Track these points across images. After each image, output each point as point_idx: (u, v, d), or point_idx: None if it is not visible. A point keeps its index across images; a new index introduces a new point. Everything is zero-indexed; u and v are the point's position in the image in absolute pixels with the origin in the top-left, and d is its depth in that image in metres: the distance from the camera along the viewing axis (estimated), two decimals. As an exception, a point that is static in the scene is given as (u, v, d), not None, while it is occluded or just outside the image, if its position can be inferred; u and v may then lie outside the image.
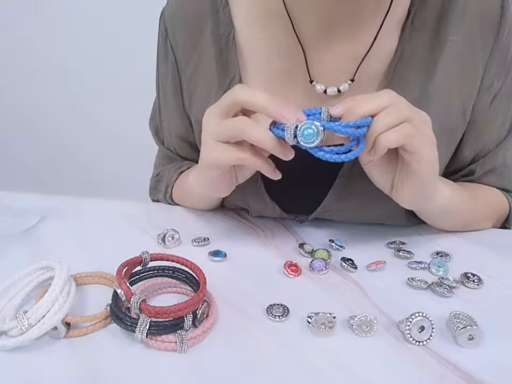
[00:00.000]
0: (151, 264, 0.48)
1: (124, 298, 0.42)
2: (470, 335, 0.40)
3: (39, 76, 1.75)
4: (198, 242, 0.57)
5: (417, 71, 0.55)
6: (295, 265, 0.51)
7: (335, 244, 0.56)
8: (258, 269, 0.52)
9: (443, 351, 0.40)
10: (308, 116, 0.45)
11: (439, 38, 0.55)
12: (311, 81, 0.57)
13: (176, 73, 0.63)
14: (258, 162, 0.47)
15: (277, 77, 0.58)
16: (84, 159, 1.85)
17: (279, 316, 0.44)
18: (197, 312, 0.42)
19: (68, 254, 0.51)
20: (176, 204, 0.68)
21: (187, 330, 0.41)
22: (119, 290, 0.42)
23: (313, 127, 0.42)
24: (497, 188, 0.64)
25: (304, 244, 0.56)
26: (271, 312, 0.44)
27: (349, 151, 0.44)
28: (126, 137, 1.69)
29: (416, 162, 0.46)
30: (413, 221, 0.60)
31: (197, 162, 0.56)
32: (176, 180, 0.67)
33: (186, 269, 0.47)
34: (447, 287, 0.48)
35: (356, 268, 0.52)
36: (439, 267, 0.51)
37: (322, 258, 0.52)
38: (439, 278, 0.49)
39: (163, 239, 0.56)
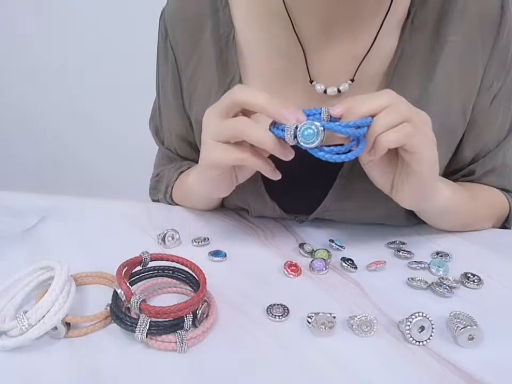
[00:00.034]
0: (151, 264, 0.48)
1: (124, 298, 0.42)
2: (470, 335, 0.40)
3: (39, 76, 1.75)
4: (198, 242, 0.57)
5: (417, 71, 0.55)
6: (295, 265, 0.51)
7: (335, 243, 0.56)
8: (258, 269, 0.52)
9: (443, 351, 0.40)
10: (308, 116, 0.45)
11: (439, 38, 0.55)
12: (311, 81, 0.57)
13: (176, 73, 0.63)
14: (258, 163, 0.47)
15: (277, 77, 0.58)
16: (84, 159, 1.85)
17: (279, 316, 0.44)
18: (197, 312, 0.42)
19: (68, 254, 0.51)
20: (176, 204, 0.68)
21: (187, 330, 0.41)
22: (119, 290, 0.42)
23: (313, 127, 0.42)
24: (497, 188, 0.64)
25: (304, 244, 0.56)
26: (271, 312, 0.44)
27: (349, 151, 0.44)
28: (126, 137, 1.69)
29: (416, 162, 0.46)
30: (413, 221, 0.60)
31: (197, 162, 0.56)
32: (176, 180, 0.67)
33: (186, 269, 0.47)
34: (447, 287, 0.48)
35: (356, 267, 0.52)
36: (439, 267, 0.51)
37: (322, 258, 0.52)
38: (439, 278, 0.49)
39: (163, 239, 0.56)
